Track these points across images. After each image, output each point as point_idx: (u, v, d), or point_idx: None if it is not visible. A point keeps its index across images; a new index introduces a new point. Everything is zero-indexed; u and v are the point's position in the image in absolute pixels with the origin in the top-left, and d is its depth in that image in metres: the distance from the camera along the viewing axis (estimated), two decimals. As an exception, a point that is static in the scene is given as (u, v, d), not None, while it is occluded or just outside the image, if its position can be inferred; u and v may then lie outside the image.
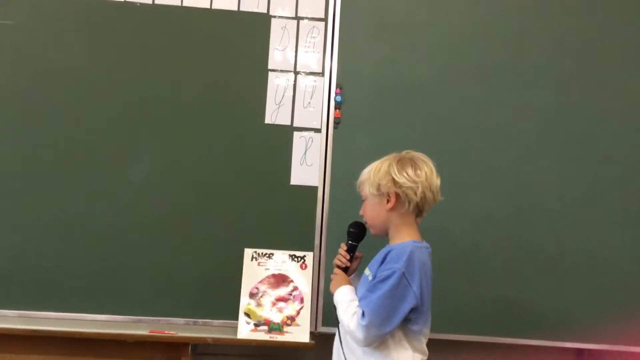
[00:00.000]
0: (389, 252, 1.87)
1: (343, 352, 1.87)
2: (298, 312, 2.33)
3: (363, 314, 1.77)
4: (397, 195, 1.88)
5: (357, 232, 1.99)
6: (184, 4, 2.56)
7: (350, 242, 1.98)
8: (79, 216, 2.43)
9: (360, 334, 1.77)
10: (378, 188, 1.90)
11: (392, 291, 1.76)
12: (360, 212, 1.98)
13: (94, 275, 2.40)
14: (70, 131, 2.48)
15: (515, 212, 2.53)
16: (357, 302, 1.83)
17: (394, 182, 1.88)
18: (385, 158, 1.96)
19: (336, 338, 1.92)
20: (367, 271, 1.92)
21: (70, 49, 2.53)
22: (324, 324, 2.36)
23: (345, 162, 2.48)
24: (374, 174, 1.93)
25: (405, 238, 1.90)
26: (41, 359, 2.35)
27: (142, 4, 2.55)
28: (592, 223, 2.53)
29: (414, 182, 1.88)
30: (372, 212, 1.96)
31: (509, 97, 2.60)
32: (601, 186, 2.55)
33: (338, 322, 1.88)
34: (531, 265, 2.49)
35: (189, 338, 2.32)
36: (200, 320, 2.40)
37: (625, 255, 2.52)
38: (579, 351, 2.61)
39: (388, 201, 1.89)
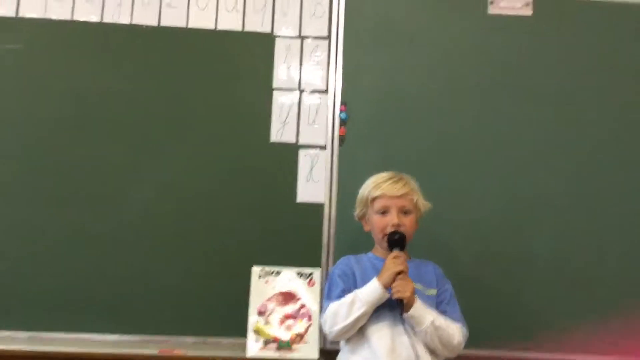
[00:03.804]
0: (435, 267, 2.10)
1: None
2: (306, 330, 2.33)
3: (462, 328, 1.97)
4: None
5: (403, 241, 1.98)
6: (189, 26, 2.59)
7: (399, 249, 1.96)
8: (86, 237, 2.45)
9: (463, 346, 1.96)
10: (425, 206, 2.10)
11: None
12: (396, 221, 1.99)
13: (102, 295, 2.41)
14: (78, 152, 2.50)
15: (515, 225, 2.53)
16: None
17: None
18: (400, 173, 2.10)
19: (395, 345, 1.91)
20: (419, 286, 1.96)
21: (77, 72, 2.55)
22: (332, 341, 2.36)
23: (351, 179, 2.47)
24: (419, 190, 2.07)
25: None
26: (51, 381, 2.37)
27: (147, 26, 2.59)
28: (591, 235, 2.53)
29: None
30: (412, 226, 2.05)
31: (511, 109, 2.61)
32: (599, 199, 2.56)
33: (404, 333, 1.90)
34: (527, 277, 2.49)
35: (199, 357, 2.33)
36: (209, 339, 2.40)
37: (620, 268, 2.51)
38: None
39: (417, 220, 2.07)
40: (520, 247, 2.52)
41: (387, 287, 1.89)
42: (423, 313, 1.90)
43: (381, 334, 1.92)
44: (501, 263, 2.50)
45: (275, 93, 2.58)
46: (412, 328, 1.91)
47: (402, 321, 1.88)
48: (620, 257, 2.52)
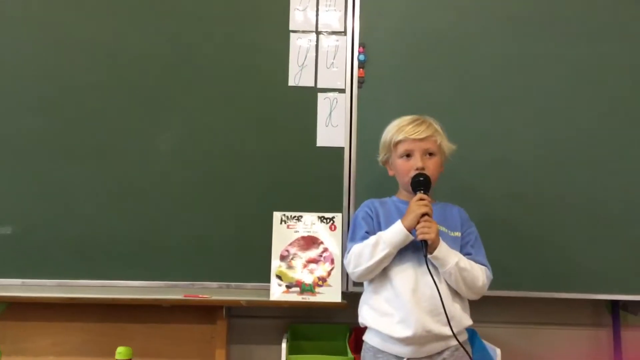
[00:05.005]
0: (460, 210, 2.06)
1: (443, 304, 1.83)
2: (329, 273, 2.35)
3: (487, 270, 1.97)
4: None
5: (428, 184, 1.94)
6: (203, -32, 2.54)
7: (423, 191, 1.92)
8: (112, 184, 2.46)
9: (487, 287, 1.95)
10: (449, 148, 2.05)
11: None
12: (420, 165, 1.95)
13: (128, 242, 2.44)
14: (99, 100, 2.49)
15: (548, 164, 2.49)
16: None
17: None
18: (423, 116, 2.05)
19: (418, 285, 1.90)
20: (443, 228, 1.95)
21: (92, 17, 2.52)
22: (355, 283, 2.37)
23: (370, 122, 2.45)
24: (443, 132, 2.03)
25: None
26: (80, 326, 2.44)
27: (160, -31, 2.54)
28: (627, 175, 2.49)
29: None
30: (437, 169, 2.01)
31: (537, 47, 2.54)
32: (635, 137, 2.50)
33: (431, 275, 1.85)
34: (564, 218, 2.46)
35: (223, 301, 2.37)
36: (233, 284, 2.43)
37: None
38: (614, 303, 2.60)
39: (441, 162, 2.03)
40: (550, 188, 2.48)
41: (411, 229, 1.88)
42: (447, 254, 1.89)
43: (404, 274, 1.91)
44: (529, 205, 2.47)
45: (292, 35, 2.53)
46: (436, 269, 1.90)
47: (426, 262, 1.87)
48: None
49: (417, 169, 1.95)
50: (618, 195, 2.48)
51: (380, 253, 1.89)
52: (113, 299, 2.34)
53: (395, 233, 1.89)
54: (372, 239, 1.93)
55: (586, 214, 2.47)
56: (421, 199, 1.90)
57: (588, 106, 2.52)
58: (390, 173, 2.11)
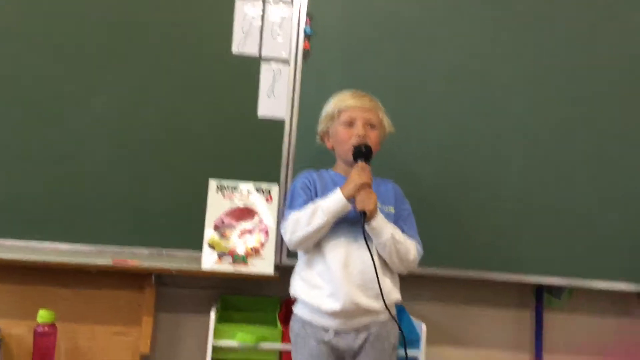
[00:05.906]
0: (394, 186, 2.09)
1: (378, 277, 1.86)
2: (263, 245, 2.33)
3: (418, 245, 2.00)
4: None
5: (369, 154, 1.95)
6: None
7: (365, 161, 1.93)
8: (42, 144, 2.37)
9: (417, 263, 2.00)
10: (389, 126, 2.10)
11: None
12: (362, 132, 1.97)
13: (56, 203, 2.36)
14: (34, 62, 2.39)
15: (486, 150, 2.53)
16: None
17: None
18: (364, 92, 2.08)
19: (349, 260, 1.91)
20: (378, 203, 1.91)
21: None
22: (289, 255, 2.37)
23: (313, 96, 2.42)
24: (384, 110, 2.08)
25: None
26: (2, 287, 2.34)
27: None
28: (559, 163, 2.55)
29: None
30: (377, 142, 2.03)
31: (486, 34, 2.57)
32: (570, 128, 2.57)
33: (368, 249, 1.86)
34: (493, 201, 2.51)
35: (153, 268, 2.31)
36: (164, 251, 2.39)
37: (586, 196, 2.55)
38: (538, 286, 2.69)
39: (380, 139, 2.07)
40: (484, 173, 2.52)
41: (350, 198, 1.88)
42: (384, 225, 1.90)
43: (337, 249, 1.92)
44: (463, 187, 2.51)
45: (237, 2, 2.47)
46: (371, 241, 1.89)
47: (360, 237, 1.88)
48: (586, 187, 2.55)
49: (358, 136, 1.97)
50: (550, 184, 2.54)
51: (317, 221, 1.88)
52: (37, 262, 2.24)
53: (333, 202, 1.89)
54: (309, 206, 1.92)
55: (518, 199, 2.52)
56: (363, 168, 1.90)
57: (527, 99, 2.56)
58: (329, 145, 2.10)
